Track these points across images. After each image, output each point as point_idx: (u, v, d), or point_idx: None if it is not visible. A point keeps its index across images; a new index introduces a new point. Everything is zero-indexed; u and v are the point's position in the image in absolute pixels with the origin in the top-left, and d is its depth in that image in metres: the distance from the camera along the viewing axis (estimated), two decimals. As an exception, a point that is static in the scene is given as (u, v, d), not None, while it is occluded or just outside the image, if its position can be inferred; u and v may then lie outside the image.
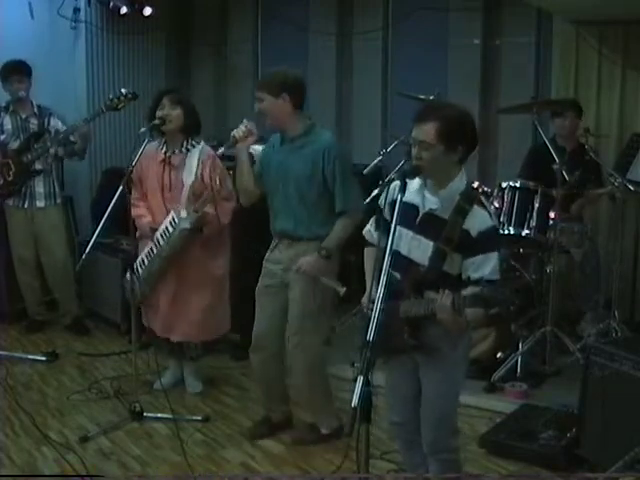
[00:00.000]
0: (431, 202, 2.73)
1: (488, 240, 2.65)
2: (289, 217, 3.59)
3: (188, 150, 4.15)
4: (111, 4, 6.20)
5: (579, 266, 4.82)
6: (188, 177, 4.09)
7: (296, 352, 3.67)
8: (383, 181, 4.88)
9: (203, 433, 3.95)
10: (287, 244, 3.65)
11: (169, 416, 3.90)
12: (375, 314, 2.34)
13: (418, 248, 2.73)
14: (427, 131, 2.62)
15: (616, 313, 4.64)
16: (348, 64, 6.60)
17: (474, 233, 2.63)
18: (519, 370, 4.38)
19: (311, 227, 3.57)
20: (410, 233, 2.75)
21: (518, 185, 4.55)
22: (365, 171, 5.17)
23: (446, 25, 6.00)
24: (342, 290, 3.46)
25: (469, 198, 2.68)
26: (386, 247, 2.52)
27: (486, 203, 2.76)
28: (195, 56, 7.32)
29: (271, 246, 3.77)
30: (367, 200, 4.94)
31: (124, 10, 6.24)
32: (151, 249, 4.17)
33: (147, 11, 6.30)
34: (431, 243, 2.69)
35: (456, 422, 2.94)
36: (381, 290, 2.40)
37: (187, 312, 4.22)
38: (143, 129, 4.08)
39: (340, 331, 5.12)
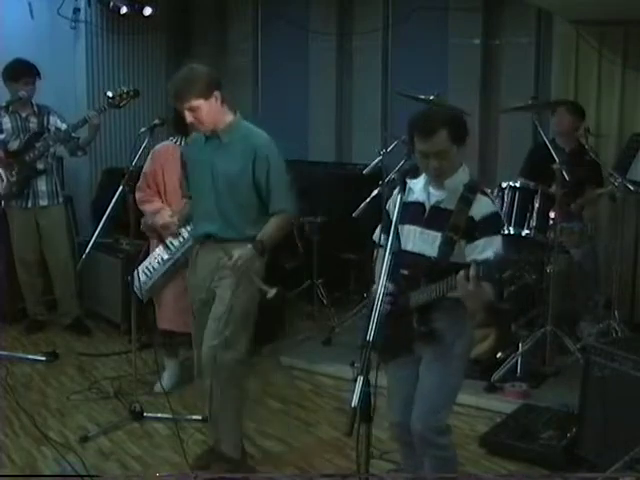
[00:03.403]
0: (436, 196, 2.82)
1: (491, 224, 2.73)
2: (216, 218, 3.34)
3: None
4: (111, 4, 6.20)
5: (579, 266, 4.81)
6: None
7: (211, 365, 3.35)
8: (383, 181, 4.88)
9: (203, 433, 3.95)
10: (211, 248, 3.37)
11: (169, 416, 3.90)
12: (374, 314, 2.35)
13: (427, 242, 2.79)
14: (440, 141, 2.70)
15: (616, 313, 4.64)
16: (348, 64, 6.61)
17: (477, 218, 2.72)
18: (519, 370, 4.38)
19: (241, 227, 3.32)
20: (418, 229, 2.82)
21: (518, 185, 4.56)
22: (365, 171, 5.16)
23: (446, 25, 6.01)
24: (272, 292, 3.20)
25: (472, 188, 2.78)
26: (387, 246, 2.57)
27: (488, 192, 2.86)
28: (195, 56, 7.31)
29: (192, 256, 3.53)
30: (367, 200, 4.97)
31: (124, 10, 6.24)
32: (171, 242, 4.20)
33: (147, 11, 6.31)
34: (440, 234, 2.75)
35: (446, 419, 2.89)
36: (381, 290, 2.42)
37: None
38: (143, 129, 4.08)
39: (340, 331, 5.14)
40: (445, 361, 2.82)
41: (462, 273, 2.53)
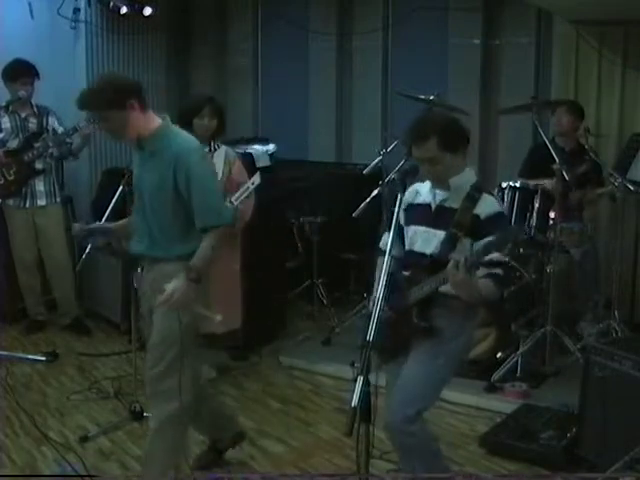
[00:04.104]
0: (441, 196, 2.88)
1: (496, 223, 2.76)
2: (144, 235, 3.14)
3: (215, 150, 4.30)
4: (111, 4, 6.19)
5: (579, 266, 4.81)
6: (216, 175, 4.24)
7: (153, 400, 3.17)
8: (383, 181, 4.88)
9: (203, 433, 3.95)
10: (147, 267, 3.22)
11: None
12: (375, 314, 2.36)
13: (431, 240, 2.84)
14: (429, 148, 2.78)
15: (616, 313, 4.64)
16: (348, 64, 6.61)
17: (483, 217, 2.76)
18: (519, 370, 4.38)
19: (168, 246, 3.08)
20: (424, 229, 2.88)
21: (518, 185, 4.58)
22: (365, 171, 5.17)
23: (446, 25, 6.01)
24: (217, 318, 3.03)
25: (479, 188, 2.84)
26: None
27: (494, 194, 2.93)
28: (195, 56, 7.32)
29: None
30: (367, 200, 4.97)
31: (124, 10, 6.22)
32: None
33: (147, 11, 6.30)
34: (444, 232, 2.80)
35: (420, 410, 2.83)
36: (381, 290, 2.43)
37: (210, 304, 4.21)
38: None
39: (340, 331, 5.13)
40: (433, 355, 2.82)
41: (451, 263, 2.57)
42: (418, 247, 2.88)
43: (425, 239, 2.86)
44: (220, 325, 4.33)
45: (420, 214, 2.91)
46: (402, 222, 2.96)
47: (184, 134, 3.13)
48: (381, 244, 3.08)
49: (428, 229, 2.86)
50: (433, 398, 2.96)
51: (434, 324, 2.79)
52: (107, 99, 2.96)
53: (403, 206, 2.93)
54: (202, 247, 3.02)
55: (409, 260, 2.87)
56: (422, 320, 2.80)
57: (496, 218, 2.78)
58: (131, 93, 3.00)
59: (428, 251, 2.83)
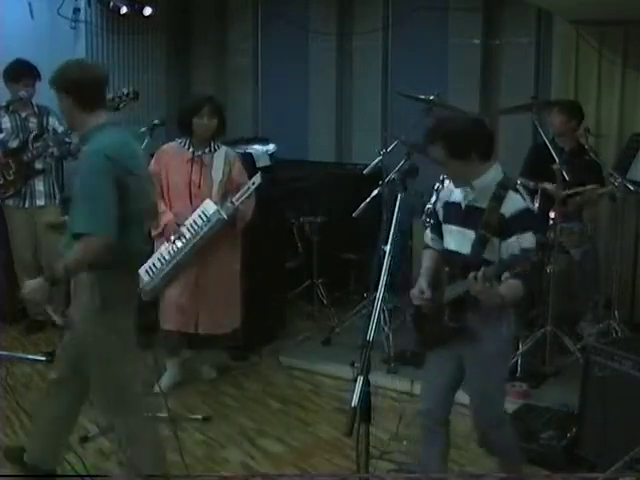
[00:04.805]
0: (470, 195, 2.92)
1: (521, 221, 2.80)
2: (67, 232, 3.07)
3: (215, 150, 4.33)
4: (111, 4, 6.20)
5: (579, 266, 4.81)
6: (217, 175, 4.28)
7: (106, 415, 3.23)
8: (383, 181, 4.88)
9: (203, 433, 3.95)
10: None
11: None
12: (374, 314, 2.38)
13: (463, 239, 2.89)
14: (437, 151, 2.85)
15: (616, 313, 4.64)
16: (348, 64, 6.61)
17: (508, 215, 2.80)
18: (519, 370, 4.38)
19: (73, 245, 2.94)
20: (457, 228, 2.93)
21: (518, 185, 4.56)
22: (365, 171, 5.16)
23: (446, 25, 6.01)
24: (59, 320, 2.92)
25: (504, 185, 2.87)
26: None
27: (521, 190, 2.95)
28: (195, 56, 7.33)
29: None
30: (367, 200, 4.97)
31: (124, 10, 6.23)
32: (174, 243, 4.24)
33: (147, 11, 6.31)
34: (474, 232, 2.85)
35: (500, 414, 3.07)
36: (380, 289, 2.45)
37: (211, 304, 4.27)
38: (143, 129, 4.09)
39: (340, 331, 5.13)
40: (485, 359, 2.88)
41: (472, 274, 2.64)
42: (454, 246, 2.94)
43: (459, 239, 2.91)
44: (220, 325, 4.38)
45: (453, 213, 2.97)
46: (440, 218, 3.04)
47: (108, 138, 2.96)
48: (425, 239, 3.17)
49: (460, 228, 2.91)
50: (501, 397, 3.12)
51: (465, 324, 2.85)
52: (55, 82, 3.01)
53: (440, 203, 3.04)
54: (72, 251, 2.89)
55: (446, 257, 2.96)
56: (453, 320, 2.85)
57: (520, 215, 2.80)
58: (68, 86, 2.96)
59: (462, 251, 2.88)
